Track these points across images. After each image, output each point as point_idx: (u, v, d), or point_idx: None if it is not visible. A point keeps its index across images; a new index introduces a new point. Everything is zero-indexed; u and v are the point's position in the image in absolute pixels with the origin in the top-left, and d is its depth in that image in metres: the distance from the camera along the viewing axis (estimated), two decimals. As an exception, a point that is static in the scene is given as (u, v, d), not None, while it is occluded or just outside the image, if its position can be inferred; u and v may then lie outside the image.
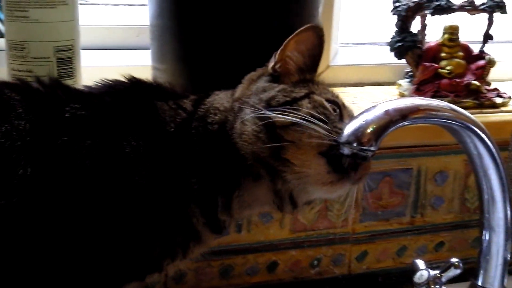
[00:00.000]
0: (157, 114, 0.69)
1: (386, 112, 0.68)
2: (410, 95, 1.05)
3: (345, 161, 0.67)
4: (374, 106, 0.69)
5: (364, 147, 0.66)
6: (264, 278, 0.97)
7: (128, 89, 0.71)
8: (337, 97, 0.74)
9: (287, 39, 0.73)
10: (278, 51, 0.73)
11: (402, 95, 1.07)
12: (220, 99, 0.73)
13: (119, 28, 1.09)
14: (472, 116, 0.74)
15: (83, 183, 0.62)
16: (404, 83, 1.08)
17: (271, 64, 0.74)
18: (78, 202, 0.62)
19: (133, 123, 0.67)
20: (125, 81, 0.72)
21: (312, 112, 0.68)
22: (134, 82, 0.72)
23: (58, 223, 0.61)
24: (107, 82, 0.71)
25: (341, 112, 0.72)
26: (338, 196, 0.72)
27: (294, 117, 0.66)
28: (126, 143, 0.65)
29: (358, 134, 0.66)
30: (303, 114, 0.67)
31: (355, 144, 0.66)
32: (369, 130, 0.66)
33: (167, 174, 0.66)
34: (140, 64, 0.97)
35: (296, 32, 0.73)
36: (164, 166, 0.66)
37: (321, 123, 0.66)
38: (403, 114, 0.69)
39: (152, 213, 0.65)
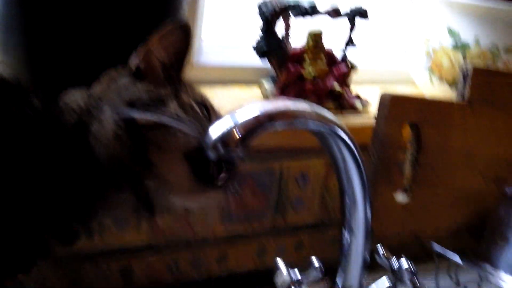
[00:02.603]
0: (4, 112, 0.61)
1: (254, 115, 0.65)
2: (274, 97, 1.04)
3: (211, 168, 0.63)
4: (241, 107, 0.66)
5: (230, 151, 0.63)
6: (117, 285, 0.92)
7: None
8: (205, 99, 0.70)
9: (151, 35, 0.68)
10: (141, 48, 0.68)
11: (266, 97, 1.06)
12: (75, 98, 0.66)
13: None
14: (340, 121, 0.74)
15: None
16: (267, 84, 1.07)
17: (133, 61, 0.68)
18: None
19: None
20: None
21: (179, 114, 0.63)
22: None
23: None
24: None
25: (209, 115, 0.68)
26: (202, 206, 0.68)
27: (159, 116, 0.61)
28: None
29: (224, 138, 0.63)
30: (169, 114, 0.62)
31: (221, 149, 0.63)
32: (235, 133, 0.63)
33: (13, 182, 0.59)
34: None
35: (161, 27, 0.68)
36: (10, 174, 0.59)
37: (188, 123, 0.62)
38: (272, 117, 0.66)
39: None
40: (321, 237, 1.08)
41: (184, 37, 0.69)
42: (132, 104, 0.63)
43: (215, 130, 0.63)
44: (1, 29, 0.79)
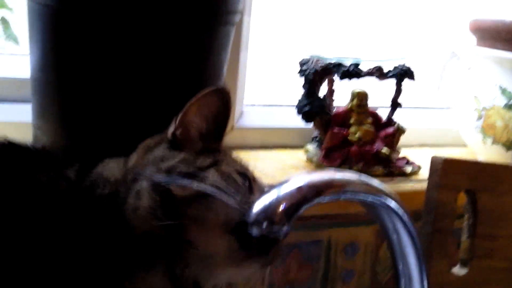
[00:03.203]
0: (33, 187, 0.58)
1: (299, 188, 0.61)
2: (318, 162, 1.00)
3: (255, 240, 0.59)
4: (285, 181, 0.62)
5: (275, 228, 0.58)
6: None
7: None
8: (246, 169, 0.67)
9: (188, 103, 0.65)
10: (179, 116, 0.65)
11: (310, 161, 1.02)
12: (111, 168, 0.63)
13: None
14: (390, 191, 0.69)
15: None
16: (312, 148, 1.04)
17: (170, 130, 0.65)
18: None
19: (2, 199, 0.55)
20: None
21: (219, 184, 0.60)
22: (6, 146, 0.61)
23: None
24: None
25: (251, 185, 0.64)
26: (247, 277, 0.64)
27: (198, 186, 0.58)
28: None
29: (268, 213, 0.59)
30: (208, 184, 0.59)
31: (265, 224, 0.58)
32: (280, 209, 0.59)
33: (43, 264, 0.55)
34: (21, 121, 0.85)
35: (198, 95, 0.65)
36: (40, 254, 0.55)
37: (228, 193, 0.58)
38: (318, 191, 0.62)
39: None
40: (373, 311, 1.01)
41: (222, 103, 0.66)
42: (169, 174, 0.60)
43: (258, 204, 0.59)
44: (38, 94, 0.77)
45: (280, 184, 0.62)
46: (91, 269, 0.57)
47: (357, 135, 0.99)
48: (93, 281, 0.58)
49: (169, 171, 0.60)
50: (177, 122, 0.65)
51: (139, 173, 0.61)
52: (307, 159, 1.02)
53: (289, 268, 0.92)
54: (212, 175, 0.60)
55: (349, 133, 1.00)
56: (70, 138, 0.74)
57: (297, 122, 1.02)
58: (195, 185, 0.58)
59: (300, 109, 0.98)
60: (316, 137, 1.05)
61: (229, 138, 1.03)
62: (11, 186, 0.57)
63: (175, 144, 0.64)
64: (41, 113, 0.78)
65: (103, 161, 0.64)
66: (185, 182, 0.58)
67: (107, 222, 0.59)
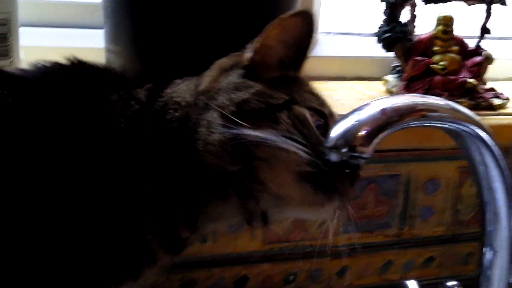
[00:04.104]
0: (105, 105, 0.56)
1: (383, 111, 0.56)
2: (399, 93, 0.94)
3: (329, 178, 0.56)
4: (367, 104, 0.58)
5: (355, 153, 0.55)
6: (231, 295, 0.86)
7: (69, 74, 0.58)
8: (323, 104, 0.62)
9: (269, 26, 0.60)
10: (257, 39, 0.60)
11: (389, 92, 0.96)
12: (182, 91, 0.60)
13: (70, 4, 0.96)
14: (481, 120, 0.63)
15: (11, 195, 0.50)
16: (392, 78, 0.98)
17: (247, 54, 0.61)
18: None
19: (74, 116, 0.54)
20: (66, 64, 0.59)
21: (290, 130, 0.56)
22: (76, 66, 0.59)
23: None
24: (43, 64, 0.58)
25: (327, 122, 0.60)
26: (324, 217, 0.61)
27: (268, 133, 0.54)
28: (66, 141, 0.52)
29: (348, 137, 0.55)
30: (278, 131, 0.55)
31: (344, 150, 0.55)
32: (361, 133, 0.55)
33: (116, 180, 0.54)
34: (94, 46, 0.84)
35: (282, 17, 0.60)
36: (114, 171, 0.54)
37: (300, 146, 0.55)
38: (402, 114, 0.57)
39: (94, 229, 0.53)
40: (453, 252, 0.96)
41: (306, 28, 0.61)
42: (240, 109, 0.56)
43: (338, 128, 0.55)
44: (109, 16, 0.75)
45: (361, 107, 0.58)
46: (164, 193, 0.56)
47: (441, 64, 0.92)
48: (166, 205, 0.57)
49: (241, 104, 0.57)
50: (255, 47, 0.60)
51: (212, 98, 0.58)
52: (386, 90, 0.97)
53: (365, 203, 0.88)
54: (284, 119, 0.57)
55: (432, 62, 0.93)
56: (143, 61, 0.72)
57: (376, 51, 0.95)
58: (263, 136, 0.54)
59: (380, 35, 0.92)
60: (396, 66, 0.99)
61: (305, 68, 1.00)
62: (82, 103, 0.55)
63: (251, 70, 0.60)
64: (113, 37, 0.76)
65: (174, 82, 0.62)
66: (254, 134, 0.54)
67: (177, 148, 0.57)
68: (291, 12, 0.60)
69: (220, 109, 0.56)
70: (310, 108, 0.59)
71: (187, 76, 0.62)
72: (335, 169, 0.56)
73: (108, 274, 0.55)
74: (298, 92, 0.61)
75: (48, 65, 0.58)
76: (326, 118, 0.60)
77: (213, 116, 0.57)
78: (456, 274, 0.95)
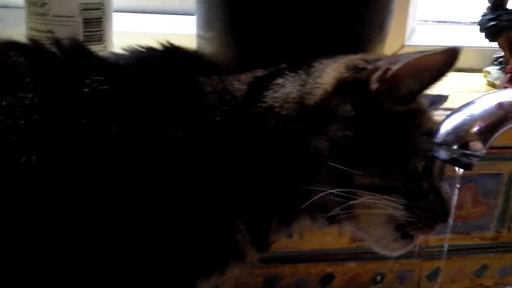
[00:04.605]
0: (199, 95, 0.54)
1: (500, 105, 0.51)
2: (502, 85, 0.88)
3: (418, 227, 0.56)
4: (480, 97, 0.53)
5: (467, 151, 0.50)
6: (316, 292, 0.83)
7: (164, 60, 0.57)
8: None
9: (410, 57, 0.54)
10: (388, 64, 0.54)
11: (491, 85, 0.90)
12: (284, 99, 0.56)
13: (161, -10, 0.95)
14: None
15: (103, 180, 0.49)
16: (494, 70, 0.92)
17: (373, 78, 0.54)
18: (94, 203, 0.48)
19: (168, 105, 0.52)
20: (161, 49, 0.57)
21: (397, 185, 0.54)
22: (171, 51, 0.57)
23: (66, 228, 0.48)
24: (138, 49, 0.57)
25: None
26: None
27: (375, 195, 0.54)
28: (160, 131, 0.51)
29: (460, 133, 0.51)
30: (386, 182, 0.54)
31: (455, 146, 0.50)
32: (475, 128, 0.50)
33: (208, 178, 0.52)
34: (184, 32, 0.83)
35: (428, 53, 0.54)
36: (206, 168, 0.52)
37: (401, 206, 0.54)
38: (521, 109, 0.52)
39: (185, 225, 0.51)
40: (556, 258, 0.89)
41: (448, 65, 0.54)
42: (355, 151, 0.54)
43: (448, 123, 0.51)
44: (202, 1, 0.74)
45: (474, 100, 0.53)
46: (260, 189, 0.55)
47: (551, 55, 0.86)
48: (260, 202, 0.55)
49: (355, 149, 0.54)
50: (385, 75, 0.54)
51: (322, 120, 0.54)
52: (488, 82, 0.91)
53: (462, 202, 0.83)
54: (395, 172, 0.54)
55: (541, 53, 0.86)
56: (236, 48, 0.70)
57: (475, 41, 0.91)
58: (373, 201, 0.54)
59: (484, 24, 0.87)
60: (499, 57, 0.93)
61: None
62: (176, 90, 0.53)
63: (373, 100, 0.55)
64: (206, 23, 0.74)
65: (277, 78, 0.58)
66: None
67: (277, 156, 0.55)
68: (440, 49, 0.54)
69: (331, 144, 0.53)
70: (423, 156, 0.55)
71: (287, 67, 0.59)
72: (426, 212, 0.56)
73: (197, 266, 0.54)
74: (417, 131, 0.55)
75: (142, 49, 0.57)
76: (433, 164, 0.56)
77: (322, 146, 0.54)
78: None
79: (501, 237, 0.86)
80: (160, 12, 0.95)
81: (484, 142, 0.50)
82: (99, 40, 0.72)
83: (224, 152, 0.53)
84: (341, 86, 0.55)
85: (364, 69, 0.55)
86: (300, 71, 0.57)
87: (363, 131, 0.54)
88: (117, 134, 0.49)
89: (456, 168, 0.53)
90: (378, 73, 0.54)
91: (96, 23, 0.71)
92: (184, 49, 0.59)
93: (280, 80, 0.57)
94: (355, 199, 0.54)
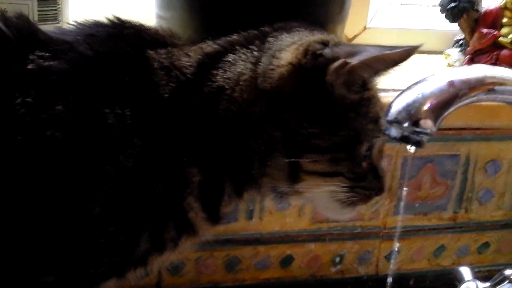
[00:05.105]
0: (146, 71, 0.53)
1: (451, 83, 0.51)
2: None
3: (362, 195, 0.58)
4: (432, 75, 0.53)
5: (418, 128, 0.50)
6: (276, 274, 0.83)
7: (110, 36, 0.55)
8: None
9: (372, 53, 0.53)
10: (349, 64, 0.53)
11: (451, 67, 0.90)
12: (237, 80, 0.54)
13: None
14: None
15: (50, 162, 0.48)
16: (454, 52, 0.93)
17: (333, 65, 0.53)
18: (41, 185, 0.48)
19: (116, 83, 0.51)
20: (107, 23, 0.56)
21: (343, 170, 0.55)
22: (117, 26, 0.56)
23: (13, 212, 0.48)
24: (85, 25, 0.55)
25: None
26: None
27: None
28: (108, 110, 0.50)
29: (411, 111, 0.51)
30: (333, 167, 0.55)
31: (406, 124, 0.50)
32: (426, 106, 0.50)
33: (158, 157, 0.51)
34: (144, 13, 0.81)
35: (391, 51, 0.53)
36: (156, 146, 0.51)
37: (345, 189, 0.56)
38: (472, 87, 0.52)
39: (136, 203, 0.51)
40: (511, 238, 0.91)
41: (403, 59, 0.54)
42: (306, 141, 0.54)
43: (400, 101, 0.51)
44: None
45: (425, 78, 0.53)
46: (211, 167, 0.55)
47: (510, 37, 0.87)
48: (212, 179, 0.54)
49: (307, 139, 0.54)
50: (344, 65, 0.53)
51: (276, 108, 0.54)
52: (449, 64, 0.92)
53: (421, 183, 0.84)
54: (343, 159, 0.55)
55: (500, 35, 0.87)
56: (195, 28, 0.69)
57: (436, 24, 0.92)
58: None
59: (445, 5, 0.87)
60: (459, 40, 0.93)
61: (361, 39, 0.95)
62: (122, 67, 0.52)
63: (330, 87, 0.54)
64: (165, 2, 0.73)
65: (227, 54, 0.56)
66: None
67: (228, 136, 0.54)
68: (400, 49, 0.53)
69: (285, 136, 0.53)
70: (368, 142, 0.56)
71: (238, 40, 0.57)
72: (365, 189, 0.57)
73: (148, 244, 0.53)
74: (365, 118, 0.55)
75: (88, 25, 0.56)
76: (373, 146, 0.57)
77: (275, 136, 0.53)
78: (513, 261, 0.90)
79: (459, 217, 0.87)
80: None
81: (435, 120, 0.50)
82: (55, 19, 0.70)
83: (174, 131, 0.52)
84: (297, 72, 0.54)
85: (321, 55, 0.54)
86: (252, 46, 0.56)
87: (317, 120, 0.53)
88: (64, 113, 0.48)
89: (408, 146, 0.52)
90: (336, 64, 0.53)
91: (51, 1, 0.70)
92: (130, 23, 0.58)
93: (231, 57, 0.56)
94: (301, 181, 0.55)
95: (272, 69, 0.54)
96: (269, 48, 0.56)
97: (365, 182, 0.56)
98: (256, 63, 0.55)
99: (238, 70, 0.55)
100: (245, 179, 0.56)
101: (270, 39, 0.57)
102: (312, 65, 0.54)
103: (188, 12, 0.70)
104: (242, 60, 0.55)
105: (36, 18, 0.69)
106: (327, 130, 0.53)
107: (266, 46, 0.56)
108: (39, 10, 0.69)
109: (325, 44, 0.55)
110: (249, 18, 0.63)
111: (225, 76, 0.54)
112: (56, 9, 0.70)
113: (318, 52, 0.54)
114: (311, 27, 0.60)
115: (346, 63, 0.52)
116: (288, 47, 0.55)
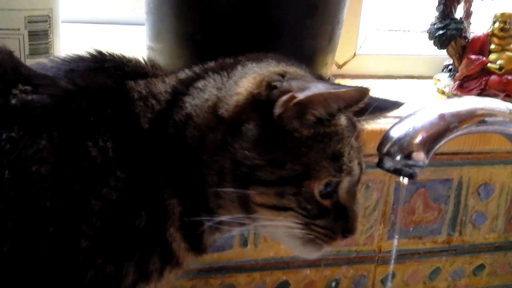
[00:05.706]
0: (128, 102, 0.53)
1: (441, 116, 0.52)
2: (451, 93, 0.90)
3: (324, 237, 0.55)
4: (423, 108, 0.54)
5: (411, 161, 0.51)
6: (271, 300, 0.83)
7: (91, 69, 0.56)
8: (341, 169, 0.53)
9: (323, 91, 0.51)
10: (303, 96, 0.51)
11: (441, 92, 0.92)
12: (201, 107, 0.54)
13: (111, 0, 0.94)
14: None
15: (36, 197, 0.48)
16: (444, 77, 0.94)
17: (282, 99, 0.51)
18: (28, 220, 0.48)
19: (97, 114, 0.51)
20: (88, 57, 0.57)
21: (292, 206, 0.53)
22: (98, 60, 0.57)
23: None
24: (66, 60, 0.56)
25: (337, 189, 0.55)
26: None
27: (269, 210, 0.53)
28: (91, 143, 0.50)
29: (403, 144, 0.52)
30: (281, 202, 0.53)
31: (398, 157, 0.51)
32: (418, 140, 0.52)
33: (141, 189, 0.52)
34: (135, 44, 0.82)
35: (342, 89, 0.52)
36: (138, 179, 0.51)
37: (295, 225, 0.54)
38: (462, 120, 0.53)
39: (122, 235, 0.51)
40: (505, 261, 0.92)
41: (357, 101, 0.51)
42: (252, 173, 0.52)
43: (393, 133, 0.52)
44: (152, 12, 0.73)
45: (416, 111, 0.54)
46: (191, 197, 0.55)
47: (498, 63, 0.88)
48: (192, 209, 0.55)
49: (253, 171, 0.52)
50: (290, 104, 0.51)
51: (230, 137, 0.53)
52: (438, 89, 0.93)
53: (414, 208, 0.84)
54: (289, 194, 0.53)
55: (488, 61, 0.88)
56: (185, 59, 0.70)
57: (426, 49, 0.93)
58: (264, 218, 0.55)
59: (433, 33, 0.88)
60: (448, 65, 0.95)
61: (351, 66, 0.96)
62: (103, 100, 0.53)
63: (281, 121, 0.52)
64: (155, 33, 0.74)
65: (199, 80, 0.55)
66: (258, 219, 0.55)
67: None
68: (349, 88, 0.51)
69: (233, 166, 0.52)
70: (323, 180, 0.53)
71: (212, 67, 0.57)
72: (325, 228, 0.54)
73: (137, 275, 0.53)
74: (320, 154, 0.53)
75: (69, 60, 0.56)
76: (339, 185, 0.54)
77: (225, 166, 0.53)
78: (508, 283, 0.90)
79: (453, 240, 0.88)
80: (110, 22, 0.95)
81: (427, 152, 0.51)
82: (46, 52, 0.71)
83: (154, 163, 0.52)
84: (251, 101, 0.53)
85: (275, 87, 0.53)
86: (223, 72, 0.56)
87: (264, 152, 0.52)
88: (48, 148, 0.48)
89: (401, 178, 0.53)
90: (284, 98, 0.52)
91: (42, 35, 0.70)
92: (112, 55, 0.58)
93: (201, 83, 0.55)
94: (254, 213, 0.53)
95: (231, 96, 0.54)
96: (234, 75, 0.55)
97: (323, 221, 0.54)
98: (220, 88, 0.54)
99: (206, 96, 0.54)
100: (205, 211, 0.55)
101: (239, 67, 0.56)
102: (266, 96, 0.53)
103: (177, 44, 0.71)
104: (210, 86, 0.55)
105: (27, 52, 0.69)
106: (273, 163, 0.52)
107: (233, 73, 0.56)
108: (30, 44, 0.69)
109: (283, 76, 0.54)
110: (237, 50, 0.64)
111: (193, 103, 0.54)
112: (47, 43, 0.71)
113: (274, 83, 0.53)
114: (285, 58, 0.59)
115: (293, 97, 0.51)
116: (249, 76, 0.55)
